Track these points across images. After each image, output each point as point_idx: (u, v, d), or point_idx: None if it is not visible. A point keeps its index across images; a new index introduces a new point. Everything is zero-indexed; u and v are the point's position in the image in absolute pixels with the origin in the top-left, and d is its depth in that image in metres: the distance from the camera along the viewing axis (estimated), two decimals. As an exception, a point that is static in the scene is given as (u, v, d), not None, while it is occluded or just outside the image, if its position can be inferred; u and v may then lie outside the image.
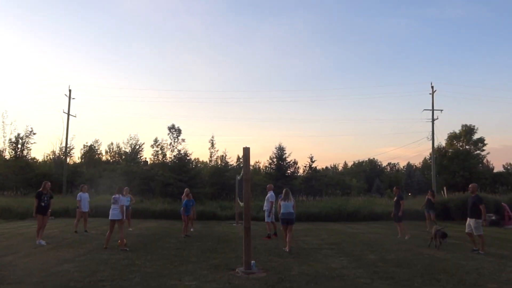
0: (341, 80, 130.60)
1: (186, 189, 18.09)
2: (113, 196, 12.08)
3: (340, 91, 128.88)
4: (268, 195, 15.41)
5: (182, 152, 37.28)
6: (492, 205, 23.00)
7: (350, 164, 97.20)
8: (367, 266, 9.35)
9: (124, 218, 12.30)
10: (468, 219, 11.81)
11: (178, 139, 38.61)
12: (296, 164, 42.68)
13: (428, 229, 19.12)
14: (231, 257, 10.43)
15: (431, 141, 40.83)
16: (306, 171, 44.97)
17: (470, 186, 12.26)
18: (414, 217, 23.36)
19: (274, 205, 15.18)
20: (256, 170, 57.39)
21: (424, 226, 18.99)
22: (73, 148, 46.57)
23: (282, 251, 11.60)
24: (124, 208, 12.17)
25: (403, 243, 13.70)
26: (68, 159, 41.37)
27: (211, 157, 42.93)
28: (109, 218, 11.98)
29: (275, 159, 41.55)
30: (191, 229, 17.44)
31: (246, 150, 9.01)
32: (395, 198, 15.94)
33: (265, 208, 15.67)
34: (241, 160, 42.65)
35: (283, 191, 12.58)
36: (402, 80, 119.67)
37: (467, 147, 54.95)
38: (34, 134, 43.61)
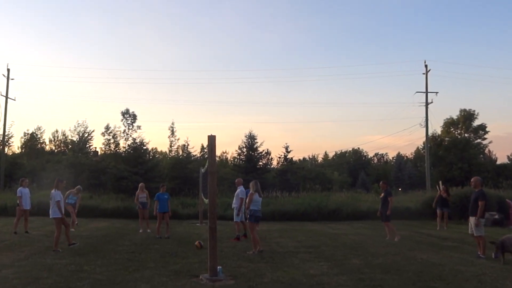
0: (321, 58, 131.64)
1: (140, 184, 18.09)
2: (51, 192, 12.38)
3: (321, 71, 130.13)
4: (238, 190, 15.44)
5: (137, 141, 37.14)
6: (495, 202, 23.29)
7: (331, 154, 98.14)
8: (351, 272, 9.49)
9: (63, 215, 12.53)
10: (470, 217, 11.98)
11: (133, 126, 38.41)
12: (269, 154, 42.78)
13: (438, 228, 19.63)
14: (194, 262, 10.46)
15: (424, 128, 41.85)
16: (281, 163, 45.08)
17: (472, 180, 12.39)
18: (404, 215, 23.81)
19: (244, 202, 15.27)
20: (223, 161, 57.32)
21: (413, 226, 19.38)
22: (12, 137, 46.21)
23: (253, 255, 11.69)
24: (62, 204, 12.33)
25: (392, 245, 13.94)
26: (6, 149, 40.80)
27: (171, 146, 42.60)
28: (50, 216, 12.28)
29: (244, 149, 41.57)
30: (148, 230, 17.47)
31: (212, 139, 9.02)
32: (382, 194, 16.18)
33: (233, 205, 15.73)
34: (205, 150, 42.43)
35: (253, 183, 12.63)
36: (391, 58, 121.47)
37: (466, 135, 55.39)
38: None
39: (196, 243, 12.53)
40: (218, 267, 8.74)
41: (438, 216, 20.37)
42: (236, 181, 16.36)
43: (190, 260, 10.78)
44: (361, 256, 11.80)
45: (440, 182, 23.79)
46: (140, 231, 17.48)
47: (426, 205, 21.59)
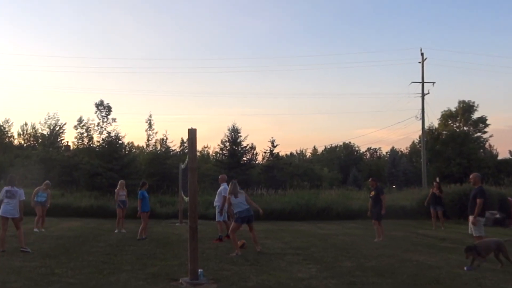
0: (311, 45, 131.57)
1: (121, 181, 18.09)
2: (5, 189, 12.30)
3: (310, 59, 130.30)
4: (221, 188, 15.50)
5: (112, 134, 37.34)
6: (496, 200, 23.35)
7: (320, 149, 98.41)
8: (342, 275, 9.52)
9: (22, 215, 12.48)
10: (469, 216, 11.99)
11: (107, 119, 38.86)
12: (254, 149, 42.96)
13: (434, 228, 19.73)
14: (173, 265, 10.47)
15: (420, 121, 41.96)
16: (266, 158, 45.23)
17: (471, 176, 12.44)
18: (399, 215, 23.92)
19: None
20: (205, 157, 57.43)
21: (409, 226, 19.48)
22: (-24, 130, 45.70)
23: (236, 257, 11.70)
24: (21, 204, 12.30)
25: (385, 247, 13.99)
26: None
27: (148, 140, 42.88)
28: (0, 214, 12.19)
29: (227, 144, 41.71)
30: (122, 230, 17.45)
31: (192, 132, 9.00)
32: (373, 193, 16.16)
33: (215, 204, 15.74)
34: (185, 144, 42.50)
35: (230, 184, 12.89)
36: (385, 46, 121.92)
37: (465, 128, 55.94)
38: None
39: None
40: (199, 270, 8.74)
41: (432, 216, 20.47)
42: (219, 177, 16.40)
43: (169, 263, 10.78)
44: (352, 258, 11.85)
45: (437, 179, 23.89)
46: (116, 231, 17.45)
47: (423, 204, 21.65)
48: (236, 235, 12.69)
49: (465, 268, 10.13)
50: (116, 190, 18.35)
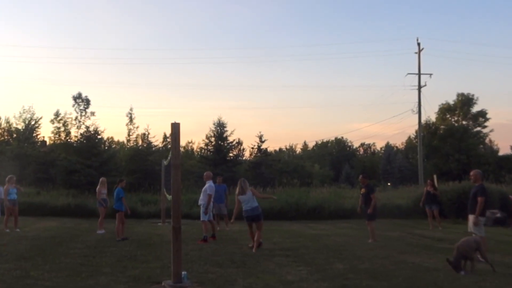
0: (301, 35, 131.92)
1: (102, 178, 18.07)
2: None
3: (300, 49, 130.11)
4: (206, 185, 15.53)
5: (91, 129, 37.33)
6: (497, 198, 23.37)
7: (311, 145, 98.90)
8: (334, 278, 9.57)
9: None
10: (468, 216, 12.10)
11: (86, 112, 38.92)
12: (241, 145, 43.02)
13: (431, 228, 19.80)
14: (155, 267, 10.50)
15: (417, 115, 42.21)
16: (254, 154, 45.29)
17: (471, 173, 12.50)
18: (394, 214, 24.03)
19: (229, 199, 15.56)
20: (189, 152, 57.45)
21: (404, 225, 19.54)
22: None
23: (222, 259, 11.72)
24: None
25: (380, 248, 14.05)
26: None
27: (129, 136, 42.92)
28: None
29: (213, 139, 41.83)
30: (102, 231, 17.42)
31: (176, 127, 8.99)
32: (363, 190, 16.18)
33: (200, 202, 15.76)
34: (168, 139, 42.44)
35: (239, 183, 13.78)
36: (379, 35, 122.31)
37: (464, 122, 56.03)
38: None
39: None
40: (183, 273, 8.75)
41: (429, 216, 20.53)
42: (204, 174, 16.45)
43: (151, 265, 10.80)
44: (345, 260, 11.90)
45: (435, 176, 23.95)
46: (98, 232, 17.39)
47: (419, 202, 21.67)
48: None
49: (461, 273, 10.17)
50: (97, 189, 18.30)
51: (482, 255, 10.70)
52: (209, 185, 15.44)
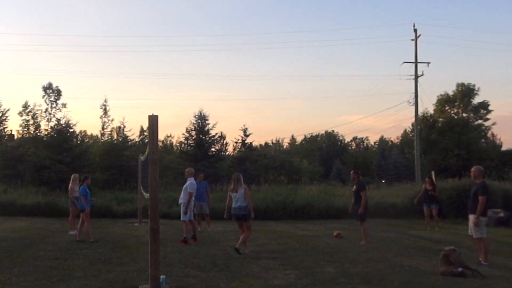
0: (288, 21, 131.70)
1: (75, 175, 18.01)
2: None
3: (288, 36, 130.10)
4: (187, 183, 15.54)
5: (62, 122, 37.38)
6: (500, 196, 23.48)
7: (299, 139, 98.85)
8: (324, 282, 9.61)
9: None
10: (469, 215, 12.15)
11: (57, 104, 39.12)
12: (224, 139, 43.12)
13: (429, 229, 19.85)
14: (131, 271, 10.50)
15: (413, 107, 42.29)
16: (238, 149, 45.35)
17: (472, 170, 12.54)
18: (389, 213, 24.13)
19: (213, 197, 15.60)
20: (168, 147, 57.41)
21: (400, 226, 19.61)
22: None
23: (204, 262, 11.74)
24: None
25: (373, 250, 14.12)
26: None
27: (103, 129, 43.06)
28: None
29: (193, 132, 41.87)
30: (74, 231, 17.39)
31: (153, 120, 8.99)
32: (355, 187, 16.24)
33: (180, 201, 15.78)
34: (146, 133, 42.41)
35: (232, 177, 13.85)
36: (373, 21, 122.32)
37: (464, 115, 56.27)
38: None
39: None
40: (161, 277, 8.76)
41: (426, 216, 20.54)
42: (185, 171, 16.45)
43: (126, 268, 10.81)
44: (336, 263, 11.95)
45: (432, 173, 24.03)
46: (70, 232, 17.36)
47: (420, 201, 21.69)
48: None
49: (459, 270, 10.24)
50: (69, 186, 18.24)
51: (458, 263, 10.72)
52: (190, 182, 15.44)
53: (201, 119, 41.58)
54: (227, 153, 44.90)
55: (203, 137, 41.24)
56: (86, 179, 16.61)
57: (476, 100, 55.58)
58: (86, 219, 15.79)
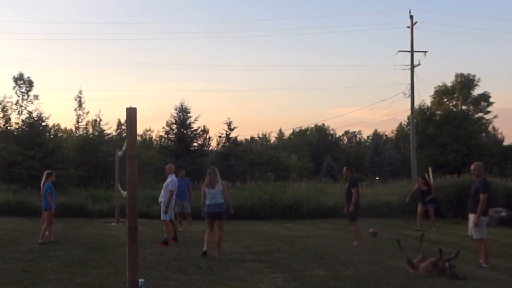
0: (276, 6, 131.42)
1: (49, 172, 17.98)
2: None
3: (275, 23, 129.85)
4: (168, 180, 15.56)
5: (34, 115, 37.18)
6: (502, 194, 23.52)
7: (287, 133, 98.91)
8: (314, 286, 9.66)
9: None
10: (469, 215, 12.20)
11: (28, 96, 39.11)
12: (207, 133, 43.12)
13: (418, 227, 19.80)
14: (108, 273, 10.50)
15: (409, 99, 42.40)
16: (222, 144, 45.41)
17: (473, 166, 12.59)
18: (384, 212, 24.18)
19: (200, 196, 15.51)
20: (147, 142, 57.39)
21: (395, 226, 19.69)
22: None
23: (185, 264, 11.76)
24: None
25: (367, 252, 14.17)
26: None
27: (78, 122, 43.13)
28: None
29: (174, 126, 41.95)
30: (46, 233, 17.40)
31: (132, 113, 8.94)
32: (347, 185, 16.26)
33: (161, 199, 15.78)
34: (123, 127, 42.36)
35: (208, 171, 13.45)
36: (366, 7, 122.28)
37: (463, 107, 56.49)
38: None
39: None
40: (140, 280, 8.72)
41: (418, 213, 20.46)
42: (166, 167, 16.45)
43: (103, 271, 10.80)
44: (327, 265, 11.99)
45: (430, 169, 24.05)
46: (46, 233, 17.34)
47: (411, 199, 21.72)
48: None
49: (446, 265, 10.36)
50: (42, 184, 18.20)
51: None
52: (171, 179, 15.46)
53: (183, 111, 41.64)
54: (210, 148, 45.09)
55: (185, 131, 41.30)
56: (50, 176, 16.48)
57: (476, 91, 55.83)
58: (49, 218, 15.71)
